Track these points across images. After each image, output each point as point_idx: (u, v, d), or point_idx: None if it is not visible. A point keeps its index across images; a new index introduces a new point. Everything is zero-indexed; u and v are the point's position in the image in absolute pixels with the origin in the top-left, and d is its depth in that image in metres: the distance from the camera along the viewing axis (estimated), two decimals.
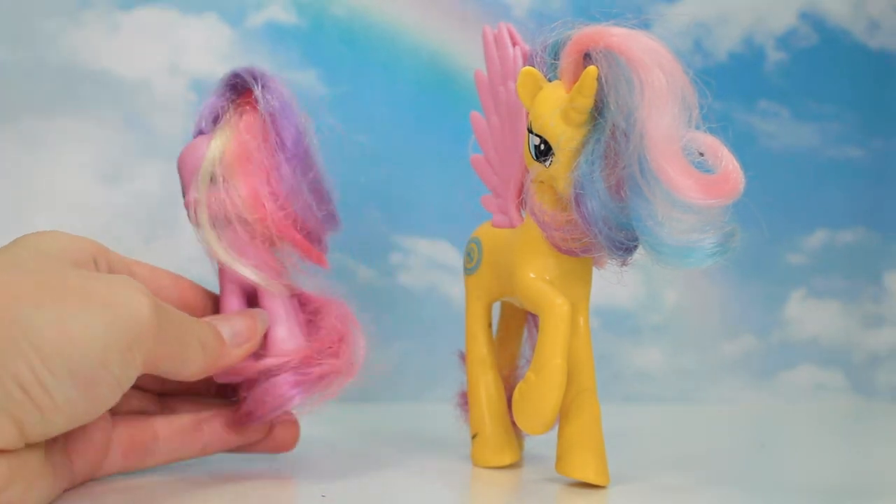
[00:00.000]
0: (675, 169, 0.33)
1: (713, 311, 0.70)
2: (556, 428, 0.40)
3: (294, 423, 0.44)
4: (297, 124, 0.40)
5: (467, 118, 0.45)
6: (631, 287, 0.68)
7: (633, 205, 0.35)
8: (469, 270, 0.45)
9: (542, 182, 0.39)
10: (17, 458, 0.31)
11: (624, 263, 0.38)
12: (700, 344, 0.70)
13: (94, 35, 0.60)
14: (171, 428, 0.40)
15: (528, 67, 0.38)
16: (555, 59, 0.38)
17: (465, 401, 0.47)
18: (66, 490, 0.36)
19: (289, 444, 0.44)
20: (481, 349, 0.45)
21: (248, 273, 0.40)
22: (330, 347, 0.40)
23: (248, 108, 0.41)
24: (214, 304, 0.43)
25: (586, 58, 0.36)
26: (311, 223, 0.41)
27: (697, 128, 0.35)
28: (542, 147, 0.38)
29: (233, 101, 0.41)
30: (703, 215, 0.34)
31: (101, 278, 0.33)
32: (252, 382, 0.40)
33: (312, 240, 0.42)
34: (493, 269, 0.44)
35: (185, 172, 0.41)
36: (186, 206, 0.41)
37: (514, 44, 0.42)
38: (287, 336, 0.41)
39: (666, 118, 0.34)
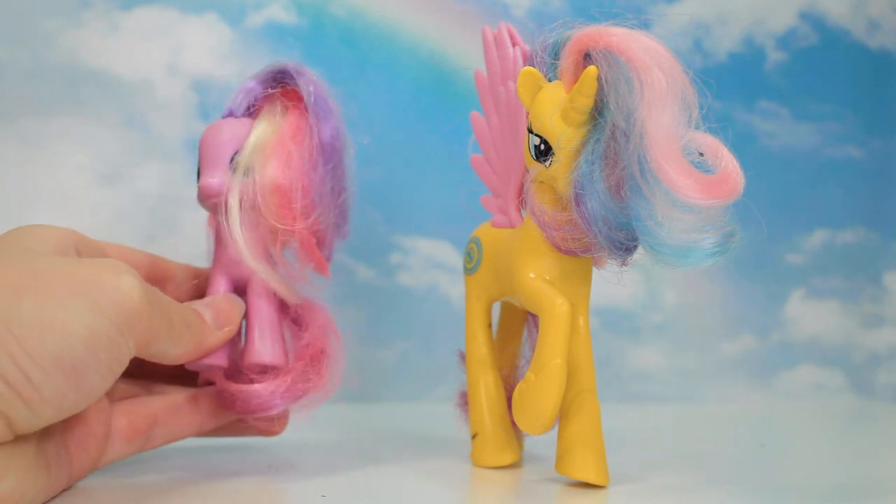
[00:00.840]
0: (675, 169, 0.33)
1: (713, 311, 0.70)
2: (556, 428, 0.40)
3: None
4: (337, 130, 0.39)
5: (467, 118, 0.45)
6: (631, 287, 0.68)
7: (633, 205, 0.35)
8: (469, 270, 0.45)
9: (542, 182, 0.39)
10: (6, 451, 0.31)
11: (624, 263, 0.38)
12: (700, 344, 0.70)
13: (94, 35, 0.60)
14: (169, 408, 0.40)
15: (528, 67, 0.38)
16: (555, 59, 0.38)
17: (465, 401, 0.47)
18: (67, 484, 0.36)
19: (278, 427, 0.44)
20: (481, 349, 0.45)
21: (262, 271, 0.39)
22: (313, 364, 0.40)
23: (291, 105, 0.40)
24: (194, 276, 0.43)
25: (586, 58, 0.36)
26: (325, 228, 0.41)
27: (697, 128, 0.35)
28: (542, 147, 0.38)
29: (272, 92, 0.41)
30: (702, 215, 0.34)
31: (86, 264, 0.33)
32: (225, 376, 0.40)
33: (321, 245, 0.42)
34: (492, 269, 0.44)
35: (206, 151, 0.40)
36: (201, 187, 0.39)
37: (514, 44, 0.42)
38: (268, 347, 0.40)
39: (666, 118, 0.34)
